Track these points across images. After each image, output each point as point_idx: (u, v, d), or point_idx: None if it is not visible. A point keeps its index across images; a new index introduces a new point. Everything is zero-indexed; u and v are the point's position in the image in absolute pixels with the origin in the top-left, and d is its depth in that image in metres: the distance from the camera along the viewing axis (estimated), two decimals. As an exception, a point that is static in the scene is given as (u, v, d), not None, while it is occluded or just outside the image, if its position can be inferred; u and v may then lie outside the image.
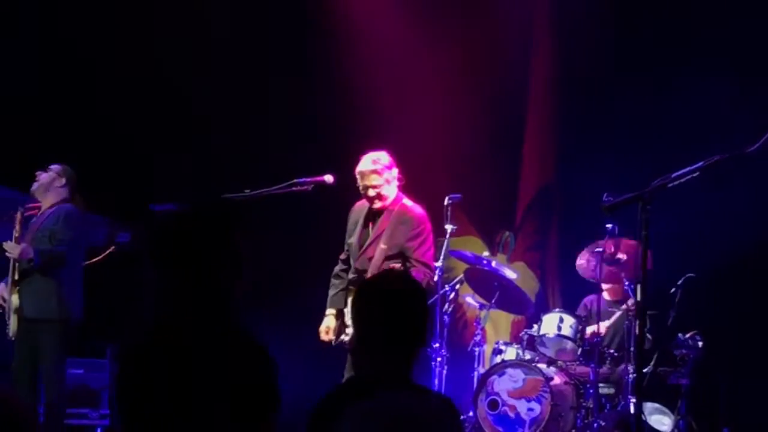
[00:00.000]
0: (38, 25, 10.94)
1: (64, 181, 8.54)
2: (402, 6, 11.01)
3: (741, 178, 8.57)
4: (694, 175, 5.60)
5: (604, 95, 10.51)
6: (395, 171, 7.68)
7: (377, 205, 7.65)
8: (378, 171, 7.57)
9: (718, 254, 9.40)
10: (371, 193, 7.60)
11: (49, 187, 8.55)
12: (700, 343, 8.75)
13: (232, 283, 3.59)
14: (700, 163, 5.62)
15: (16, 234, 8.32)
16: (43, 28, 10.93)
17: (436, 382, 8.68)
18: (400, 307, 3.57)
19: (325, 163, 7.55)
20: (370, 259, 7.58)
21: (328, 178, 7.24)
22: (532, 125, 11.40)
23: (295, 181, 7.15)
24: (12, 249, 8.24)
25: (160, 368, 3.45)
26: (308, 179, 7.19)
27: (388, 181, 7.62)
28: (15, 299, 8.27)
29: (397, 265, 7.43)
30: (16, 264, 8.31)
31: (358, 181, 7.63)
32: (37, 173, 8.60)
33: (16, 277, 8.28)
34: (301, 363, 9.99)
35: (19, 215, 8.38)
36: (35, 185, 8.57)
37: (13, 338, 8.35)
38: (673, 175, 5.59)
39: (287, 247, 10.90)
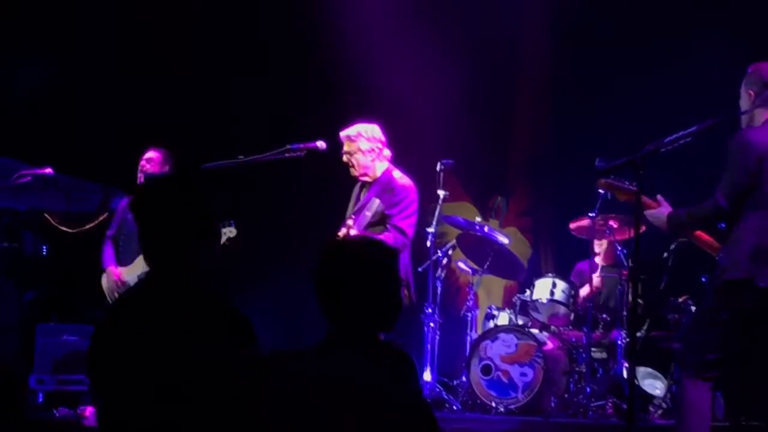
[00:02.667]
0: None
1: (168, 167, 8.56)
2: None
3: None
4: (687, 140, 5.62)
5: (598, 59, 10.48)
6: (379, 145, 7.66)
7: (353, 173, 7.70)
8: (352, 138, 7.63)
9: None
10: (345, 159, 7.68)
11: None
12: (693, 308, 8.77)
13: (200, 251, 3.59)
14: (693, 128, 5.63)
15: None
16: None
17: (429, 347, 8.72)
18: (361, 270, 3.49)
19: (318, 130, 7.54)
20: None
21: (321, 145, 7.23)
22: (524, 89, 11.37)
23: (287, 147, 7.13)
24: None
25: (127, 341, 3.45)
26: (301, 145, 7.17)
27: (362, 151, 7.62)
28: None
29: (377, 232, 7.44)
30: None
31: (344, 148, 7.70)
32: (142, 165, 8.55)
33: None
34: (295, 328, 10.04)
35: None
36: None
37: None
38: (666, 140, 5.60)
39: (280, 211, 10.92)
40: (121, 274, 8.47)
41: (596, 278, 9.31)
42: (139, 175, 8.60)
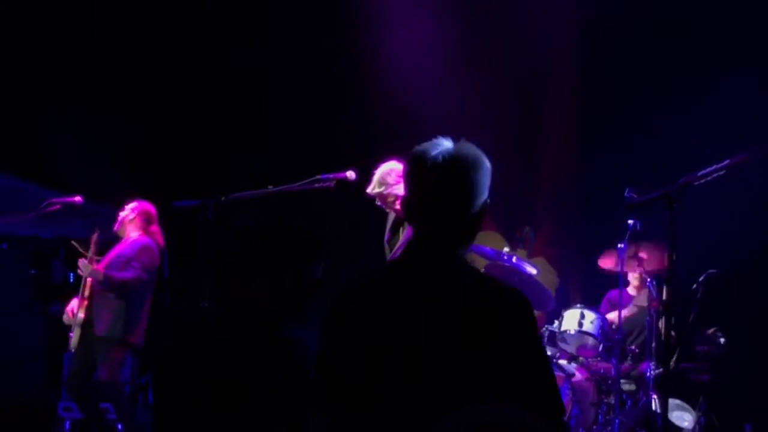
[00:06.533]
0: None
1: (133, 216, 9.14)
2: (427, 8, 10.98)
3: (764, 173, 8.53)
4: (720, 173, 5.58)
5: (626, 88, 10.46)
6: None
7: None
8: (383, 193, 7.43)
9: (740, 250, 9.36)
10: (397, 207, 7.51)
11: (123, 221, 9.20)
12: (722, 340, 8.73)
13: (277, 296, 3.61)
14: (726, 161, 5.59)
15: (90, 254, 8.87)
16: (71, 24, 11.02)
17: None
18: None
19: (347, 160, 7.50)
20: None
21: (350, 175, 7.18)
22: (552, 119, 11.36)
23: (317, 177, 7.10)
24: (84, 268, 8.80)
25: (196, 369, 3.49)
26: (330, 176, 7.14)
27: (400, 196, 7.48)
28: (81, 314, 8.82)
29: None
30: (88, 281, 8.86)
31: (377, 201, 7.57)
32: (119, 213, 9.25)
33: (86, 294, 8.84)
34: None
35: (95, 236, 8.93)
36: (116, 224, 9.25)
37: (72, 351, 8.94)
38: (700, 173, 5.57)
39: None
40: (74, 307, 8.99)
41: (630, 308, 9.28)
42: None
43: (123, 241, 9.13)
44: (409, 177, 3.43)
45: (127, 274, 8.78)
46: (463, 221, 3.37)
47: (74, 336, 8.85)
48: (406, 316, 3.22)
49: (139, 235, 9.07)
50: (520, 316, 3.26)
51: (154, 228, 9.15)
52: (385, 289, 3.32)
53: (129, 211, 9.15)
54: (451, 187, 3.34)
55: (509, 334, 3.20)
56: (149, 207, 9.20)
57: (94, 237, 8.81)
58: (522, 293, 3.34)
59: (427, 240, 3.36)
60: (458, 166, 3.35)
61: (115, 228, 9.17)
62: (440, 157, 3.35)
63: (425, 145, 3.41)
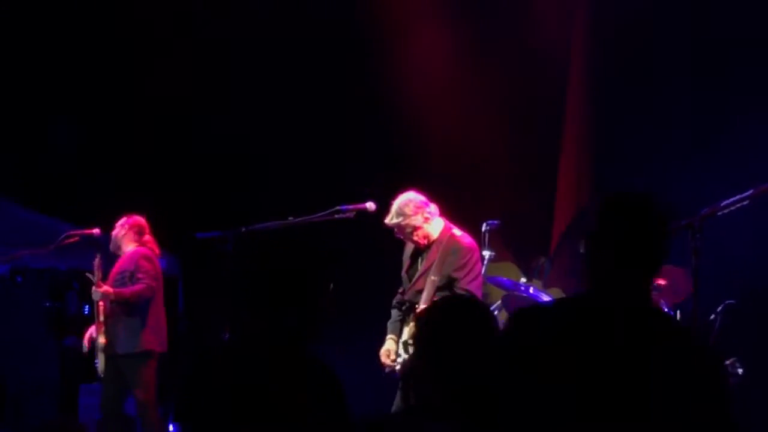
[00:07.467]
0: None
1: (125, 231, 9.11)
2: (440, 35, 11.01)
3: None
4: (744, 203, 5.57)
5: (641, 120, 10.45)
6: (425, 209, 7.46)
7: (420, 245, 7.54)
8: (401, 224, 7.41)
9: (759, 280, 9.32)
10: (414, 238, 7.49)
11: (116, 238, 9.16)
12: (740, 371, 8.68)
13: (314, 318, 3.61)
14: (750, 191, 5.58)
15: (96, 279, 8.86)
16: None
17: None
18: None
19: (365, 189, 7.51)
20: (420, 291, 7.44)
21: (370, 206, 7.21)
22: (568, 150, 11.35)
23: (337, 208, 7.13)
24: (95, 294, 8.86)
25: (227, 384, 3.50)
26: (350, 207, 7.17)
27: (418, 227, 7.43)
28: (101, 338, 8.86)
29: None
30: (101, 305, 8.90)
31: (395, 232, 7.54)
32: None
33: (101, 318, 8.87)
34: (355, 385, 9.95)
35: (97, 261, 8.88)
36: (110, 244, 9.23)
37: (102, 375, 8.96)
38: (723, 203, 5.56)
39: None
40: (92, 334, 9.04)
41: None
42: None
43: (121, 257, 9.13)
44: (611, 224, 3.46)
45: (138, 287, 8.81)
46: (659, 268, 3.46)
47: (100, 362, 8.90)
48: (604, 362, 3.26)
49: (135, 247, 9.07)
50: (715, 374, 3.37)
51: (148, 238, 9.14)
52: (579, 332, 3.34)
53: (119, 227, 9.14)
54: (661, 237, 3.45)
55: (703, 390, 3.28)
56: (139, 219, 9.19)
57: (96, 262, 8.85)
58: (714, 350, 3.43)
59: (628, 285, 3.39)
60: (663, 218, 3.47)
61: (111, 248, 9.16)
62: (651, 209, 3.45)
63: (623, 197, 3.50)
